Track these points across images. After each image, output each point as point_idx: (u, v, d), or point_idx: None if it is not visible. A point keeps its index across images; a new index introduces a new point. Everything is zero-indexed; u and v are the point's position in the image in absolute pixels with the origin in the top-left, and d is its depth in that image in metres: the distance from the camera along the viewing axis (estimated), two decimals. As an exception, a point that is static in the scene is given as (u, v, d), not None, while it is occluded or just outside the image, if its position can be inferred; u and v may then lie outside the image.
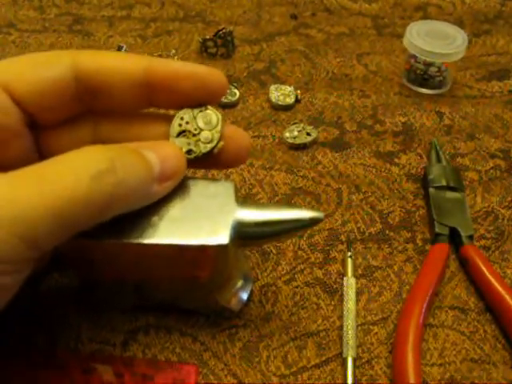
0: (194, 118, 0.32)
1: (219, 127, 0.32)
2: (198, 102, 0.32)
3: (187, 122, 0.32)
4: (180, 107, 0.32)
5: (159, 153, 0.29)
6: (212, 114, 0.32)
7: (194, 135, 0.32)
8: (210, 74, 0.31)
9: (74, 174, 0.25)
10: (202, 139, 0.32)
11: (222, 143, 0.32)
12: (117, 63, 0.30)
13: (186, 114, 0.32)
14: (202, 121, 0.32)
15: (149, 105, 0.32)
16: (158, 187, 0.29)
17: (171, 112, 0.32)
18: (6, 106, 0.29)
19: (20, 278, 0.26)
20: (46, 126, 0.31)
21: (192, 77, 0.31)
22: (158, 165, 0.29)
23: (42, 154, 0.32)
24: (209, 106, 0.32)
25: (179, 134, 0.32)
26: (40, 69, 0.29)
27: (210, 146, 0.32)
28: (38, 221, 0.24)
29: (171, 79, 0.31)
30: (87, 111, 0.32)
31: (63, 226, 0.25)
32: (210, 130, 0.32)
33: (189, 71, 0.31)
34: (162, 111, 0.34)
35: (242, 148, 0.33)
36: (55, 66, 0.29)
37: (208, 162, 0.33)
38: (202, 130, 0.32)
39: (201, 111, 0.32)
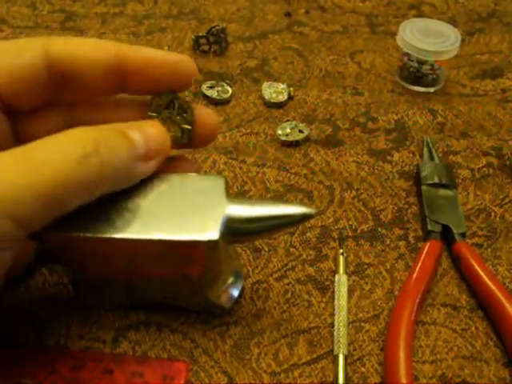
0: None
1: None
2: (168, 87, 0.33)
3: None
4: (150, 93, 0.33)
5: (143, 132, 0.30)
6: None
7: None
8: (180, 60, 0.32)
9: (61, 156, 0.26)
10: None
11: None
12: (87, 50, 0.31)
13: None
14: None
15: (120, 90, 0.33)
16: (144, 166, 0.30)
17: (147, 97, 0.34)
18: None
19: (8, 257, 0.27)
20: (21, 112, 0.31)
21: (163, 63, 0.32)
22: (143, 144, 0.30)
23: (19, 139, 0.32)
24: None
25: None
26: (11, 56, 0.30)
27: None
28: (27, 200, 0.25)
29: (142, 66, 0.31)
30: (60, 97, 0.32)
31: (51, 206, 0.26)
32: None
33: (160, 58, 0.32)
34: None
35: (210, 126, 0.34)
36: (26, 52, 0.30)
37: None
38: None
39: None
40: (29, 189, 0.25)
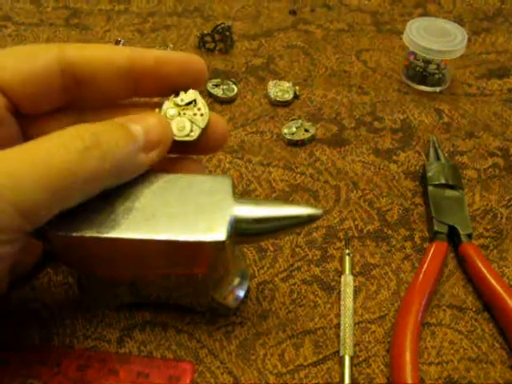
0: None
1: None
2: (180, 88, 0.33)
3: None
4: (162, 95, 0.33)
5: (143, 124, 0.31)
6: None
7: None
8: (190, 60, 0.33)
9: (63, 150, 0.26)
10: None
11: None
12: (102, 54, 0.31)
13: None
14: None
15: (133, 94, 0.34)
16: (145, 157, 0.30)
17: (154, 99, 0.34)
18: None
19: (12, 250, 0.27)
20: (32, 116, 0.32)
21: (173, 64, 0.32)
22: (142, 135, 0.30)
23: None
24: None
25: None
26: (26, 60, 0.30)
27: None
28: (31, 190, 0.25)
29: (154, 67, 0.32)
30: (72, 102, 0.33)
31: (55, 197, 0.26)
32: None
33: (170, 58, 0.32)
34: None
35: (220, 133, 0.34)
36: (41, 57, 0.30)
37: (190, 148, 0.34)
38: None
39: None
40: (33, 180, 0.25)
